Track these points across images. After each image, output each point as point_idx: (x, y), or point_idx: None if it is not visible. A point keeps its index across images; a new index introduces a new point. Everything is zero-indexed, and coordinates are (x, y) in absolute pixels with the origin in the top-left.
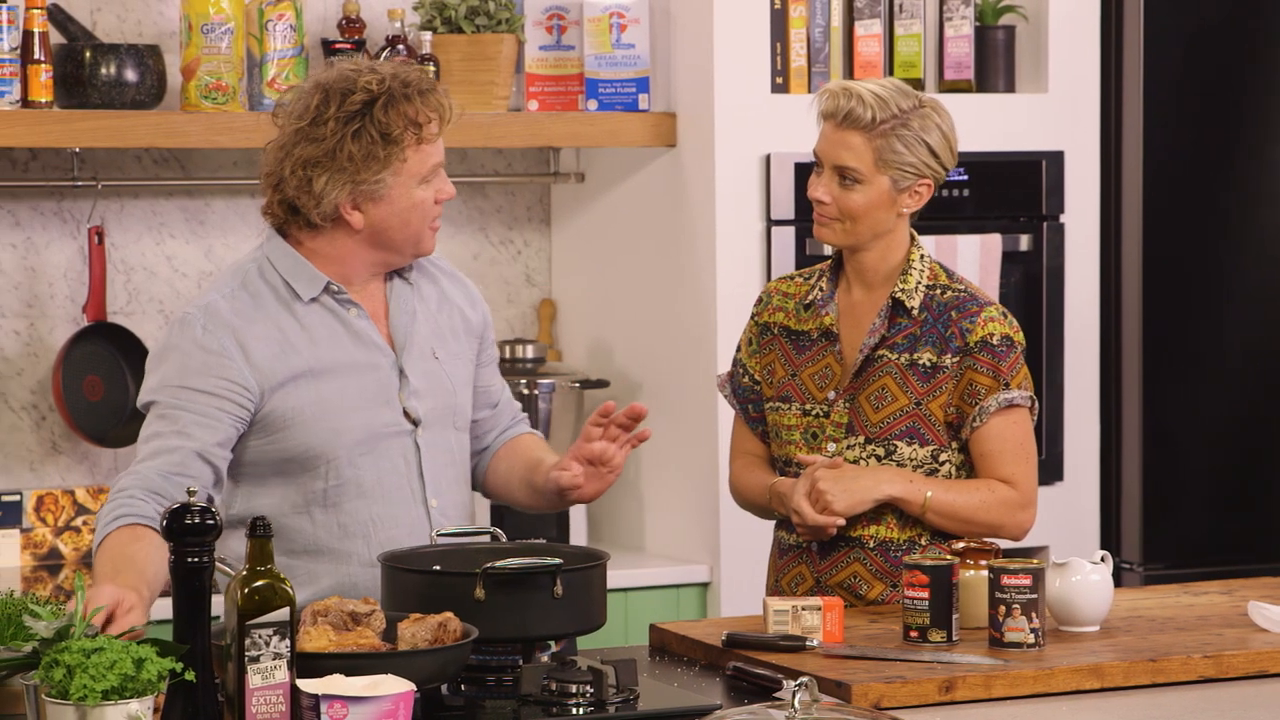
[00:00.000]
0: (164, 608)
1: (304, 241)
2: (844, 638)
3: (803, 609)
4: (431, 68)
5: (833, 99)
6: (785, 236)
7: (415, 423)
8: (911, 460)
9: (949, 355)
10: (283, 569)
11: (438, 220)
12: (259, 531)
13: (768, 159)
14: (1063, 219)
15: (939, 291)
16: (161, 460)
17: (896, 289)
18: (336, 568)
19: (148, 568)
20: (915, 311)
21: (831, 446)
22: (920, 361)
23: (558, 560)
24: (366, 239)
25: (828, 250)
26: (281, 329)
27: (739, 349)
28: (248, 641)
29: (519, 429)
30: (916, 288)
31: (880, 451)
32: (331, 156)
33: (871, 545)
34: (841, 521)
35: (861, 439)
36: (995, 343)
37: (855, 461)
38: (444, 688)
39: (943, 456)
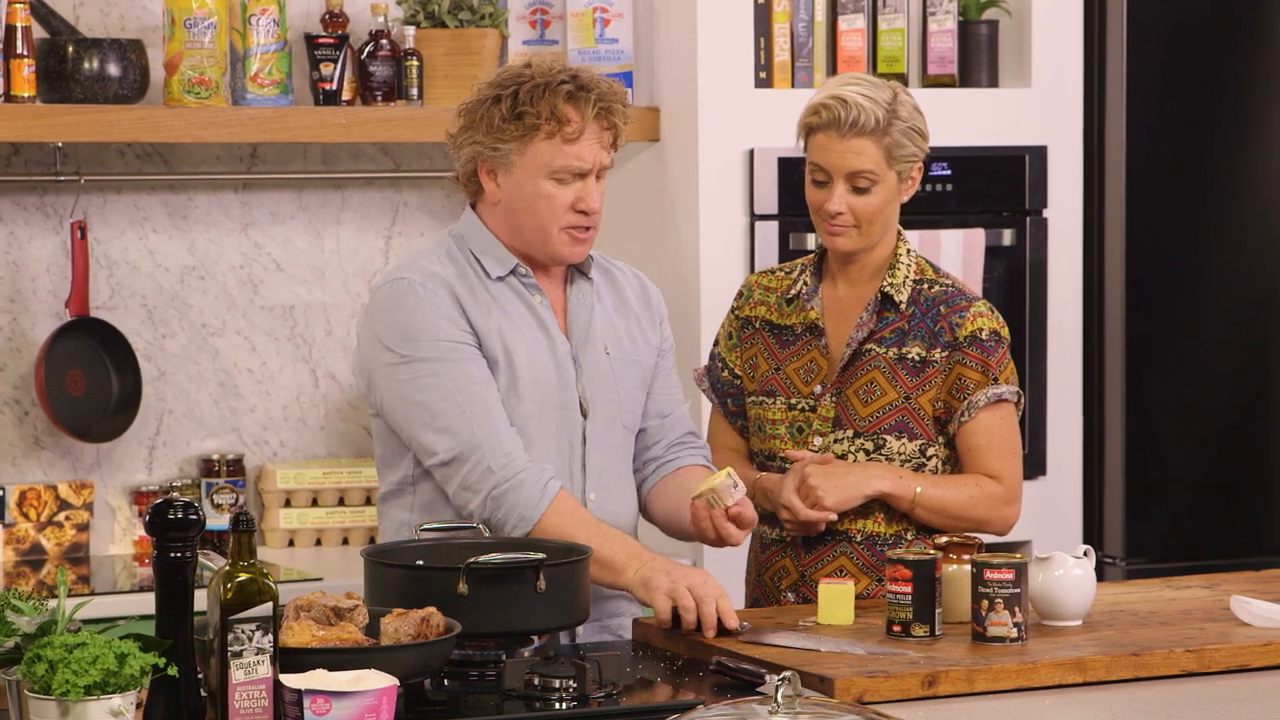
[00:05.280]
0: (147, 603)
1: (483, 216)
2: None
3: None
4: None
5: (830, 110)
6: (769, 231)
7: (585, 413)
8: (900, 454)
9: (938, 350)
10: None
11: (582, 230)
12: (241, 526)
13: (751, 154)
14: (1046, 214)
15: (926, 286)
16: (497, 414)
17: (885, 283)
18: None
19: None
20: (903, 306)
21: (818, 440)
22: (909, 356)
23: (540, 555)
24: (503, 216)
25: (811, 245)
26: (479, 298)
27: (716, 343)
28: (231, 636)
29: (686, 458)
30: (904, 282)
31: (869, 445)
32: (474, 120)
33: (858, 539)
34: (832, 517)
35: (850, 433)
36: (984, 338)
37: (843, 456)
38: (427, 682)
39: (930, 451)
